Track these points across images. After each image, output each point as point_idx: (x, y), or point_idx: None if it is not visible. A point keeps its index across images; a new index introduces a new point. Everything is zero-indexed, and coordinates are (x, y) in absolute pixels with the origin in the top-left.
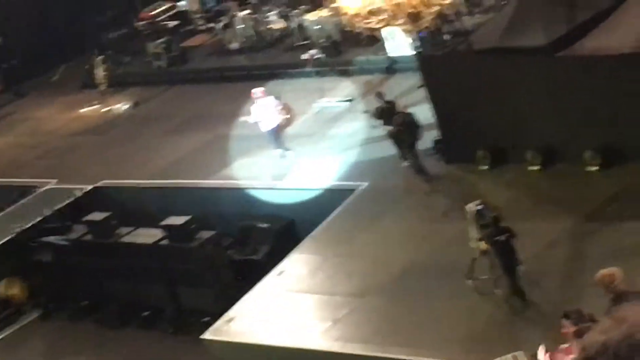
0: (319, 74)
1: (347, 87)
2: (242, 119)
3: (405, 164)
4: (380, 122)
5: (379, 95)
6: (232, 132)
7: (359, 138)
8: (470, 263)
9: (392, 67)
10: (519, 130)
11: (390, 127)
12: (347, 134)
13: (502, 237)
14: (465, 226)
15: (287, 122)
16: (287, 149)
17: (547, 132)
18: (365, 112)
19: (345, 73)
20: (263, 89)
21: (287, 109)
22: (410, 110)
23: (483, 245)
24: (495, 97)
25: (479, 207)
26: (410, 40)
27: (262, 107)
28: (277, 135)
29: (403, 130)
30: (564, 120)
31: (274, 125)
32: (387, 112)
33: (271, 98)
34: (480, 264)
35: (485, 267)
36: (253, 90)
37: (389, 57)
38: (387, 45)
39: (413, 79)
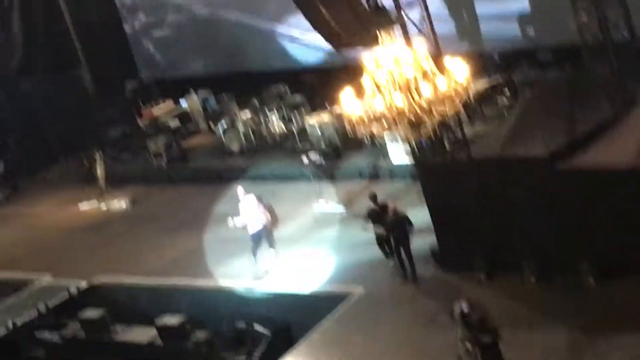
0: (318, 177)
1: (344, 191)
2: (229, 221)
3: (392, 264)
4: (371, 223)
5: (372, 197)
6: (229, 232)
7: (354, 241)
8: None
9: (392, 172)
10: (517, 240)
11: (381, 229)
12: (343, 237)
13: (487, 338)
14: None
15: (272, 223)
16: (273, 249)
17: (544, 244)
18: (358, 215)
19: (344, 177)
20: (243, 190)
21: (270, 210)
22: (402, 212)
23: (468, 344)
24: (494, 206)
25: (465, 307)
26: (411, 147)
27: (246, 208)
28: (261, 236)
29: (394, 231)
30: (561, 232)
31: (259, 227)
32: (378, 214)
33: (253, 198)
34: None
35: None
36: (237, 191)
37: (389, 163)
38: (388, 151)
39: (412, 185)
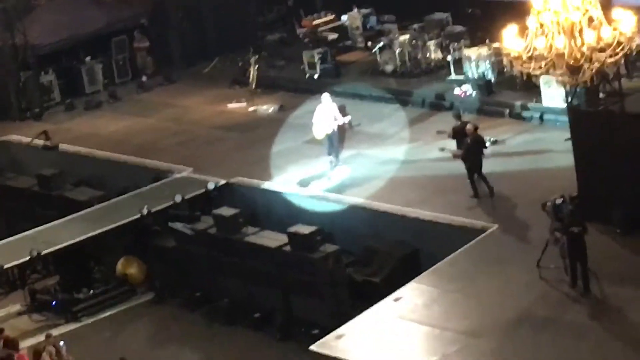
0: (466, 110)
1: (493, 127)
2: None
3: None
4: (454, 141)
5: (456, 115)
6: (370, 151)
7: (494, 179)
8: (543, 249)
9: (542, 114)
10: None
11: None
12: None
13: (575, 229)
14: None
15: (344, 131)
16: (337, 158)
17: None
18: (440, 132)
19: (492, 113)
20: (329, 95)
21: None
22: (480, 135)
23: (557, 234)
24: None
25: (559, 201)
26: (565, 91)
27: (324, 112)
28: (333, 142)
29: (470, 151)
30: None
31: (331, 131)
32: (460, 132)
33: (334, 105)
34: (552, 253)
35: (556, 256)
36: (322, 96)
37: (541, 105)
38: (541, 93)
39: (561, 131)
